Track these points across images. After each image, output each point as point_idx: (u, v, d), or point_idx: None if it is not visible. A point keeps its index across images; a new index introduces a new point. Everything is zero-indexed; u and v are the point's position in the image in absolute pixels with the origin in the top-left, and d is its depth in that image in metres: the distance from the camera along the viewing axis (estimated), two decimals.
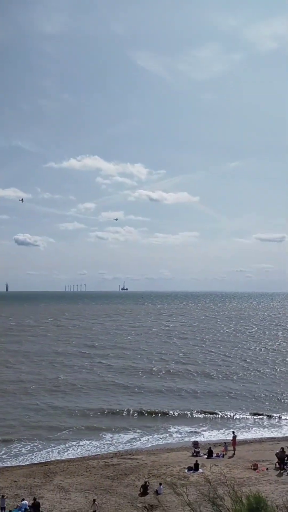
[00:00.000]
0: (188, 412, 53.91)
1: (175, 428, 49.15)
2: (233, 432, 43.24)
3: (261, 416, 53.09)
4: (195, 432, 48.15)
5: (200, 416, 53.38)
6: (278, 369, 78.53)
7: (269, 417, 53.14)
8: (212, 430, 48.73)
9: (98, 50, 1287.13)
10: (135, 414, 53.41)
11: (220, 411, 54.31)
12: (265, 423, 51.26)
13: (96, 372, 75.18)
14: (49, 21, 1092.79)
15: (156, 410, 54.38)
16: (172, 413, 53.80)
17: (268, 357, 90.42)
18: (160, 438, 46.41)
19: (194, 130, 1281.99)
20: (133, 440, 45.50)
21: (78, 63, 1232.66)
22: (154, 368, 77.82)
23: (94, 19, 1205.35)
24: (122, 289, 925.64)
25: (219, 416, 53.13)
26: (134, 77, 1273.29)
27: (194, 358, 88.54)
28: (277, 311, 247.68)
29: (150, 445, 44.04)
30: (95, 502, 28.62)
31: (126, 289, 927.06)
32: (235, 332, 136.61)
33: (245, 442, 44.41)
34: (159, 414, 53.57)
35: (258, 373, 75.73)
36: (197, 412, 54.18)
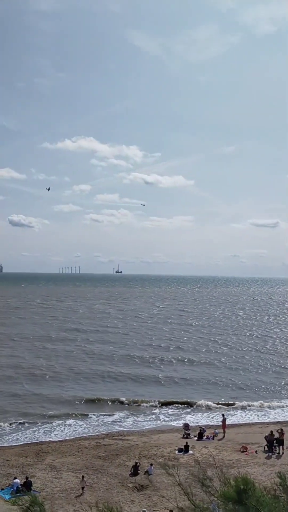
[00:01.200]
0: (174, 399, 53.01)
1: (162, 414, 48.86)
2: (223, 415, 43.74)
3: (248, 403, 52.78)
4: (183, 414, 48.64)
5: (185, 404, 52.01)
6: (263, 357, 78.07)
7: (257, 403, 53.41)
8: (200, 414, 49.23)
9: (94, 28, 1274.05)
10: (116, 402, 51.75)
11: (204, 399, 53.22)
12: (253, 409, 51.47)
13: (77, 358, 73.31)
14: None
15: (139, 399, 52.59)
16: (155, 402, 52.07)
17: (253, 344, 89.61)
18: (148, 420, 46.62)
19: (190, 113, 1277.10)
20: (124, 422, 45.88)
21: (74, 41, 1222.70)
22: (137, 354, 76.26)
23: None
24: (116, 272, 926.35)
25: (204, 403, 52.03)
26: (130, 57, 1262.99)
27: (181, 344, 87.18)
28: (266, 296, 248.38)
29: (141, 427, 44.46)
30: (84, 479, 29.15)
31: (121, 272, 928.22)
32: (223, 317, 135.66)
33: (235, 425, 44.93)
34: (143, 403, 51.83)
35: (243, 359, 75.14)
36: (184, 400, 53.03)
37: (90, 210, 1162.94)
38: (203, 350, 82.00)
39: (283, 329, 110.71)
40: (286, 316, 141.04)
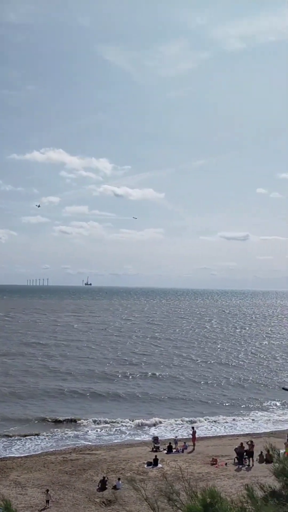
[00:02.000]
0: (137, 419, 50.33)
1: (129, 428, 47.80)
2: (193, 428, 43.45)
3: (216, 416, 52.28)
4: (152, 428, 48.12)
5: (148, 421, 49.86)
6: (227, 370, 77.82)
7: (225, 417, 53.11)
8: (170, 427, 48.74)
9: (64, 42, 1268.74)
10: (75, 422, 48.80)
11: (169, 415, 51.95)
12: (222, 421, 51.17)
13: (36, 373, 69.63)
14: (14, 10, 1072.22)
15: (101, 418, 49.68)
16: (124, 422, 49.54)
17: (217, 357, 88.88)
18: (116, 434, 45.80)
19: (160, 127, 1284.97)
20: (91, 436, 45.02)
21: (43, 54, 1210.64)
22: (99, 369, 73.19)
23: (60, 10, 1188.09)
24: (85, 284, 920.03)
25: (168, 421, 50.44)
26: (100, 71, 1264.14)
27: (146, 358, 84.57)
28: (235, 309, 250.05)
29: (110, 441, 43.75)
30: (48, 492, 28.51)
31: (90, 284, 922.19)
32: (190, 329, 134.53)
33: (205, 437, 44.64)
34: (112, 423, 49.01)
35: (208, 373, 74.27)
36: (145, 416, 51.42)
37: (59, 222, 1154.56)
38: (169, 364, 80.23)
39: (249, 342, 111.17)
40: (253, 328, 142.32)
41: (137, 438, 44.77)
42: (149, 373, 71.94)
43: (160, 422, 49.25)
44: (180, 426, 48.77)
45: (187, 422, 49.77)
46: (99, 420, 48.67)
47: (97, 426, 47.42)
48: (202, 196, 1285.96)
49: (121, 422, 48.65)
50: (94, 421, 48.42)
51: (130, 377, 69.50)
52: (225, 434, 46.76)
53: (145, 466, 35.03)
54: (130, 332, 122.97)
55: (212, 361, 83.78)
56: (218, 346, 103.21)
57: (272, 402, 58.61)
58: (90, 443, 42.68)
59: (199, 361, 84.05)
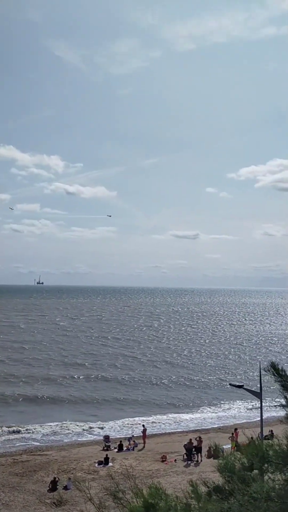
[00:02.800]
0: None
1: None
2: (143, 426, 43.84)
3: (165, 415, 52.84)
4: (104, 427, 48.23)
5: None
6: (173, 370, 78.78)
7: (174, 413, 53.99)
8: (120, 425, 48.99)
9: (14, 36, 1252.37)
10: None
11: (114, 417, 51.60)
12: (170, 419, 51.77)
13: None
14: None
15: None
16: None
17: (164, 355, 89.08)
18: (66, 434, 45.54)
19: (111, 125, 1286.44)
20: (42, 437, 44.68)
21: None
22: (41, 372, 69.99)
23: (10, 4, 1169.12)
24: (37, 283, 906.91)
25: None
26: (51, 67, 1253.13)
27: (93, 358, 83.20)
28: (184, 307, 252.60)
29: (60, 441, 43.56)
30: None
31: (42, 283, 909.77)
32: (138, 328, 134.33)
33: (155, 435, 45.13)
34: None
35: (155, 372, 74.43)
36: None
37: (10, 220, 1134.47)
38: (115, 364, 78.90)
39: (195, 340, 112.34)
40: (199, 326, 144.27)
41: (87, 438, 44.74)
42: (95, 375, 69.91)
43: (109, 421, 49.38)
44: (129, 425, 49.03)
45: (136, 420, 50.15)
46: (47, 425, 47.45)
47: (44, 430, 46.24)
48: (153, 195, 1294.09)
49: (70, 424, 48.20)
50: (41, 425, 47.18)
51: (76, 378, 67.27)
52: (174, 430, 47.41)
53: (96, 465, 35.14)
54: (78, 332, 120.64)
55: (158, 360, 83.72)
56: (164, 344, 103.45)
57: (220, 398, 59.76)
58: (40, 444, 42.37)
59: (145, 360, 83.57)
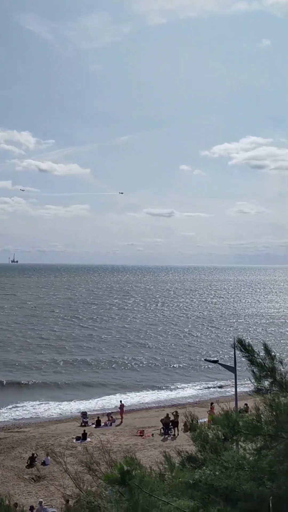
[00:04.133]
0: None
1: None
2: (121, 401, 44.36)
3: (143, 391, 53.50)
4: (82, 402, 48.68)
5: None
6: (152, 346, 79.53)
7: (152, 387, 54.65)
8: (97, 400, 49.55)
9: None
10: None
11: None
12: (148, 394, 52.48)
13: None
14: None
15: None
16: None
17: (142, 332, 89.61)
18: (44, 411, 45.95)
19: (83, 101, 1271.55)
20: (19, 413, 44.94)
21: None
22: (11, 357, 66.91)
23: None
24: (12, 261, 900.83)
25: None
26: (20, 40, 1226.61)
27: (60, 341, 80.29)
28: (157, 285, 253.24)
29: (38, 418, 43.85)
30: None
31: (17, 261, 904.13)
32: (112, 306, 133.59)
33: (132, 410, 45.75)
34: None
35: (125, 349, 74.73)
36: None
37: None
38: (84, 345, 76.74)
39: (169, 317, 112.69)
40: (173, 303, 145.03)
41: (65, 415, 45.12)
42: (65, 358, 67.03)
43: (85, 400, 49.69)
44: (106, 402, 49.49)
45: (113, 398, 50.69)
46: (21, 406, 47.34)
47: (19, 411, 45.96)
48: (127, 173, 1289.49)
49: (46, 403, 48.39)
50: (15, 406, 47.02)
51: (46, 361, 65.13)
52: (151, 406, 48.10)
53: (74, 441, 35.55)
54: (48, 312, 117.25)
55: (131, 341, 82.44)
56: (138, 324, 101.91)
57: (196, 373, 60.71)
58: (18, 421, 42.62)
59: (115, 340, 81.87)
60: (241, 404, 38.47)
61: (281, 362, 7.08)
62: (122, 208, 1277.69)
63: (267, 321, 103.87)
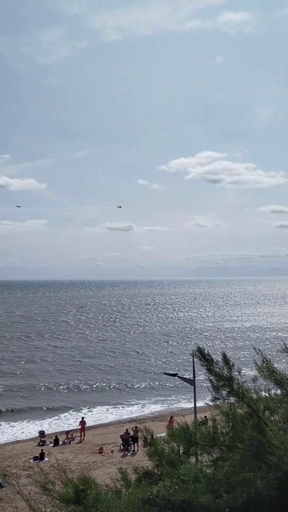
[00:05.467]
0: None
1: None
2: (82, 418, 43.75)
3: (102, 407, 53.11)
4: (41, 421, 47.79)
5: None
6: (93, 362, 78.88)
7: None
8: (56, 419, 48.70)
9: None
10: None
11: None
12: (108, 410, 51.98)
13: None
14: None
15: None
16: None
17: (86, 348, 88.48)
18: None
19: (40, 115, 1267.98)
20: None
21: None
22: None
23: None
24: None
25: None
26: None
27: (13, 355, 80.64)
28: (114, 300, 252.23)
29: None
30: None
31: None
32: (65, 321, 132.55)
33: (92, 427, 45.12)
34: None
35: (78, 364, 74.32)
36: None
37: None
38: (37, 361, 76.43)
39: (125, 331, 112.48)
40: (129, 317, 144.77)
41: (22, 435, 44.12)
42: (17, 383, 63.30)
43: (41, 420, 48.77)
44: (66, 418, 48.80)
45: (71, 413, 50.05)
46: None
47: None
48: (85, 187, 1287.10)
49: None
50: None
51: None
52: (111, 422, 47.62)
53: (31, 461, 34.72)
54: (3, 327, 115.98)
55: (89, 352, 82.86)
56: (93, 336, 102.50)
57: (155, 387, 60.50)
58: None
59: (75, 353, 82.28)
60: (202, 417, 38.59)
61: (239, 372, 7.07)
62: (81, 223, 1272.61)
63: (225, 335, 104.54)
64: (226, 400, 6.91)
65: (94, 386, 61.41)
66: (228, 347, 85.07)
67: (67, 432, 41.70)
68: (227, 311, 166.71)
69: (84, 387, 60.76)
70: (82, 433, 41.01)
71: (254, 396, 6.72)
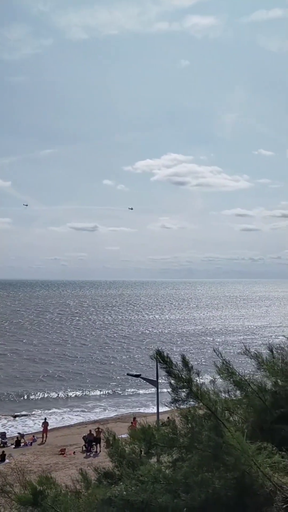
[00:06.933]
0: None
1: None
2: (45, 419, 43.36)
3: (63, 408, 52.87)
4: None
5: None
6: (70, 364, 78.64)
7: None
8: (18, 420, 48.16)
9: None
10: None
11: None
12: (71, 412, 51.68)
13: None
14: None
15: None
16: None
17: (58, 349, 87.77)
18: None
19: (4, 113, 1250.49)
20: None
21: None
22: None
23: None
24: None
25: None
26: None
27: None
28: (76, 300, 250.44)
29: None
30: None
31: None
32: (27, 322, 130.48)
33: (54, 428, 44.81)
34: None
35: (47, 367, 73.96)
36: None
37: None
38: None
39: (87, 332, 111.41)
40: (91, 318, 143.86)
41: None
42: None
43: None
44: (25, 419, 48.33)
45: (34, 415, 49.57)
46: None
47: None
48: (51, 186, 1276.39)
49: None
50: None
51: None
52: (74, 423, 47.38)
53: None
54: None
55: (48, 353, 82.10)
56: (55, 338, 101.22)
57: (118, 388, 60.46)
58: None
59: (33, 354, 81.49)
60: (165, 418, 38.75)
61: (197, 374, 7.14)
62: (45, 222, 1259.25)
63: (186, 338, 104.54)
64: (186, 402, 6.98)
65: (53, 390, 60.47)
66: (187, 350, 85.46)
67: (28, 434, 41.33)
68: (189, 314, 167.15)
69: (45, 390, 60.22)
70: (45, 435, 40.75)
71: (213, 398, 6.82)
